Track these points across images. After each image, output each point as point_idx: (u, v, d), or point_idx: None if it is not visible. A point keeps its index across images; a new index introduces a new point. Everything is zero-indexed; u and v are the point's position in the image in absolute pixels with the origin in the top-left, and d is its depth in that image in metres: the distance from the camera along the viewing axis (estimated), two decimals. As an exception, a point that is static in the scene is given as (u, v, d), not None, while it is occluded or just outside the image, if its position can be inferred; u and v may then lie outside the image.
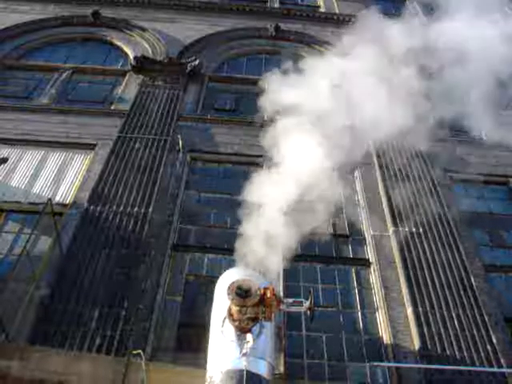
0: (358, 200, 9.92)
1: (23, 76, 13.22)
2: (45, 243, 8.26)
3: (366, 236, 9.11)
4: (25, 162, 10.08)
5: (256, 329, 5.53)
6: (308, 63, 11.36)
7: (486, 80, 10.70)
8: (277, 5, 18.56)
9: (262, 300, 5.48)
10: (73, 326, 6.88)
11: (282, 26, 15.74)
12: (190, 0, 16.93)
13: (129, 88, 12.57)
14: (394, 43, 11.33)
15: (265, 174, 9.42)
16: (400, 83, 10.22)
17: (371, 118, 9.50)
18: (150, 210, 8.75)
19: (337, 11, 17.88)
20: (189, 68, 12.89)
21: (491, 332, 7.41)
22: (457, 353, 7.11)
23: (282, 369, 6.86)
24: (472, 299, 7.86)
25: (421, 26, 13.54)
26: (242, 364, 5.22)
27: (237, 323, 5.53)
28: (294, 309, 5.96)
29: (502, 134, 12.23)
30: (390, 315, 7.70)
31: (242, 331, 5.53)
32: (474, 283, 8.12)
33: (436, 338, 7.26)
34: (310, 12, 17.55)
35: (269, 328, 5.70)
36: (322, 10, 18.41)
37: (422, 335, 7.29)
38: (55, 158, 10.19)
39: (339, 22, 16.68)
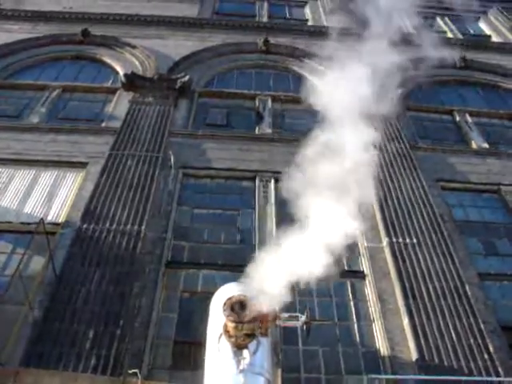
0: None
1: (13, 95, 13.20)
2: (38, 263, 8.18)
3: (360, 248, 9.11)
4: (16, 181, 10.02)
5: (253, 345, 5.50)
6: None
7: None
8: (265, 19, 18.75)
9: (259, 316, 5.46)
10: (67, 346, 6.81)
11: (272, 40, 15.84)
12: (180, 16, 17.06)
13: (119, 105, 12.56)
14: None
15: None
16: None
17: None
18: (143, 227, 8.72)
19: (325, 24, 18.05)
20: (179, 84, 12.91)
21: (488, 340, 7.41)
22: (454, 362, 7.09)
23: (279, 384, 6.81)
24: (468, 308, 7.86)
25: None
26: (240, 381, 5.18)
27: (233, 339, 5.50)
28: (290, 323, 5.94)
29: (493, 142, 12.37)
30: (387, 327, 7.69)
31: (238, 347, 5.50)
32: (469, 292, 8.13)
33: (433, 348, 7.25)
34: (299, 26, 17.73)
35: (265, 343, 5.67)
36: (311, 23, 18.61)
37: (418, 346, 7.28)
38: (47, 177, 10.14)
39: (328, 35, 16.81)
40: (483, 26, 20.43)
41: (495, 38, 19.13)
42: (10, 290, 6.94)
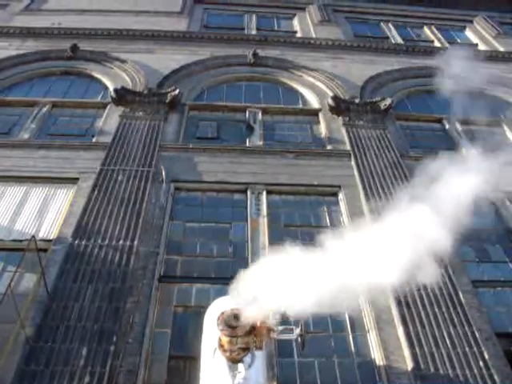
0: (343, 221, 9.94)
1: (2, 112, 13.14)
2: (29, 280, 8.12)
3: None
4: (6, 198, 9.95)
5: (248, 358, 5.48)
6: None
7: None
8: (254, 32, 18.86)
9: (253, 329, 5.44)
10: (60, 364, 6.74)
11: (260, 52, 15.90)
12: (169, 30, 17.11)
13: (110, 120, 12.53)
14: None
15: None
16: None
17: None
18: (136, 242, 8.68)
19: (313, 36, 18.19)
20: (169, 98, 12.93)
21: (483, 348, 7.40)
22: (450, 371, 7.08)
23: (275, 397, 6.78)
24: (462, 316, 7.87)
25: None
26: (235, 395, 5.16)
27: (228, 354, 5.48)
28: (284, 336, 5.91)
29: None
30: (381, 336, 7.67)
31: (233, 361, 5.48)
32: (462, 299, 8.14)
33: (428, 358, 7.24)
34: (287, 38, 17.83)
35: (260, 357, 5.65)
36: (299, 35, 18.73)
37: (414, 355, 7.27)
38: (38, 194, 10.08)
39: (316, 46, 16.98)
40: (469, 35, 20.65)
41: (482, 47, 19.34)
42: (1, 308, 6.87)
